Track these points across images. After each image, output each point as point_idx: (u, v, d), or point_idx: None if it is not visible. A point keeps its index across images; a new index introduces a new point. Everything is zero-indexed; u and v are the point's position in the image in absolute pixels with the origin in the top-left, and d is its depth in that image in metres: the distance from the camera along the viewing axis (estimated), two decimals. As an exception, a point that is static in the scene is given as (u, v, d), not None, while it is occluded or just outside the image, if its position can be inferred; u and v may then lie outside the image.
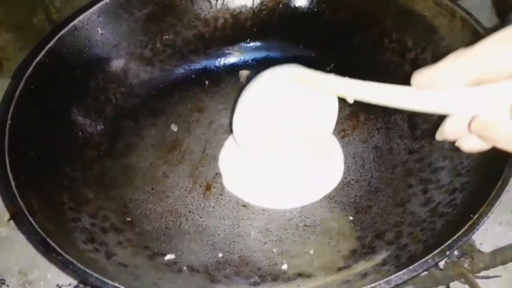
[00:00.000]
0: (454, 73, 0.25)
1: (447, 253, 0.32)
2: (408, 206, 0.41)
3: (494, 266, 0.40)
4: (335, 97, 0.38)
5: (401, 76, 0.46)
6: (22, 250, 0.46)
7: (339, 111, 0.48)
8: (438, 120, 0.43)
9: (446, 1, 0.44)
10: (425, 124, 0.45)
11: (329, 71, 0.50)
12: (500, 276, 0.41)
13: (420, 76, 0.26)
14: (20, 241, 0.46)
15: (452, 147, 0.41)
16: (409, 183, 0.42)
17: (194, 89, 0.51)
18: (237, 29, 0.52)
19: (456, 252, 0.41)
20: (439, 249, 0.32)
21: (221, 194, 0.44)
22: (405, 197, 0.42)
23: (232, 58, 0.53)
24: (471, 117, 0.26)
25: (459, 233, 0.32)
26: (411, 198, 0.41)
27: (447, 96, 0.25)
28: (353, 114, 0.48)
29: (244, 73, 0.52)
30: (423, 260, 0.31)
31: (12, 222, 0.47)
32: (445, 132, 0.28)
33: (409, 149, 0.45)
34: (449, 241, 0.32)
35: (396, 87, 0.28)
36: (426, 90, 0.26)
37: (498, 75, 0.24)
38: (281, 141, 0.42)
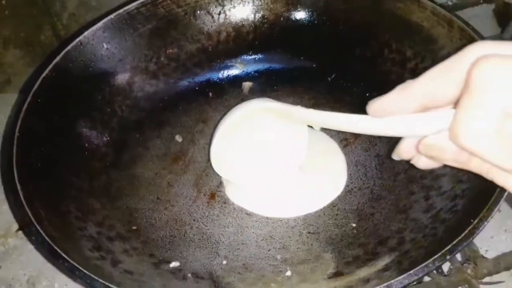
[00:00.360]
0: (402, 101, 0.27)
1: (448, 257, 0.32)
2: (410, 212, 0.41)
3: (498, 272, 0.40)
4: (304, 125, 0.41)
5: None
6: (30, 260, 0.46)
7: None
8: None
9: (444, 11, 0.45)
10: (426, 132, 0.45)
11: (330, 82, 0.52)
12: (503, 282, 0.41)
13: (374, 105, 0.28)
14: (28, 251, 0.47)
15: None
16: (411, 190, 0.43)
17: (198, 100, 0.52)
18: (239, 42, 0.53)
19: (459, 258, 0.41)
20: (439, 254, 0.32)
21: (225, 203, 0.45)
22: (407, 204, 0.42)
23: (235, 70, 0.54)
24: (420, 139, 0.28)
25: (459, 238, 0.32)
26: (413, 204, 0.41)
27: (397, 122, 0.28)
28: (355, 123, 0.49)
29: (247, 84, 0.53)
30: (424, 264, 0.32)
31: (20, 232, 0.48)
32: (400, 152, 0.30)
33: (411, 157, 0.45)
34: (449, 246, 0.32)
35: (354, 116, 0.31)
36: (380, 118, 0.28)
37: (441, 101, 0.26)
38: (257, 170, 0.44)
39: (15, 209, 0.47)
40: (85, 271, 0.31)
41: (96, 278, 0.31)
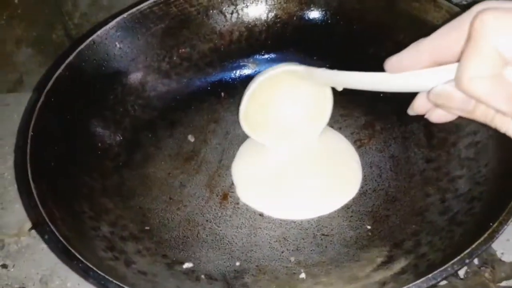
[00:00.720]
0: (416, 57, 0.30)
1: (467, 261, 0.31)
2: (426, 215, 0.40)
3: (516, 276, 0.40)
4: (328, 87, 0.43)
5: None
6: (43, 259, 0.46)
7: (355, 120, 0.49)
8: (454, 129, 0.44)
9: (460, 11, 0.44)
10: (442, 133, 0.44)
11: None
12: (521, 286, 0.40)
13: (391, 61, 0.32)
14: (41, 250, 0.47)
15: (469, 156, 0.42)
16: (427, 192, 0.42)
17: (210, 100, 0.52)
18: (252, 41, 0.53)
19: (476, 262, 0.40)
20: (458, 258, 0.31)
21: (237, 203, 0.44)
22: (423, 206, 0.41)
23: (247, 70, 0.53)
24: None
25: (478, 242, 0.32)
26: (429, 207, 0.41)
27: (412, 75, 0.30)
28: (369, 124, 0.48)
29: (259, 84, 0.53)
30: (442, 268, 0.31)
31: (33, 231, 0.48)
32: (415, 107, 0.33)
33: (426, 158, 0.44)
34: (468, 250, 0.32)
35: (374, 74, 0.33)
36: (397, 73, 0.31)
37: (449, 56, 0.28)
38: (284, 130, 0.47)
39: (28, 208, 0.47)
40: (99, 272, 0.31)
41: (111, 279, 0.31)
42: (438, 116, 0.32)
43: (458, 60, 0.27)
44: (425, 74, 0.30)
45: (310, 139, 0.47)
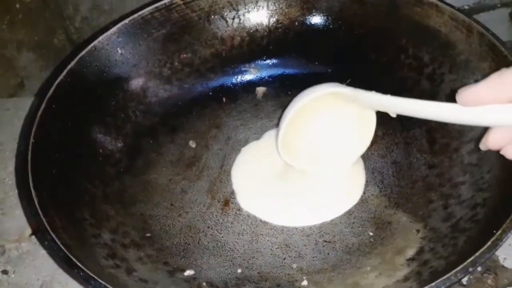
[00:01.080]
0: (497, 91, 0.27)
1: (470, 269, 0.31)
2: (429, 221, 0.40)
3: (519, 282, 0.40)
4: (372, 111, 0.41)
5: (418, 91, 0.47)
6: (44, 265, 0.46)
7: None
8: (456, 135, 0.44)
9: (463, 16, 0.44)
10: (444, 139, 0.44)
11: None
12: (525, 293, 0.40)
13: (465, 94, 0.28)
14: (42, 256, 0.47)
15: (472, 162, 0.41)
16: (429, 198, 0.42)
17: (212, 106, 0.52)
18: (253, 47, 0.53)
19: (479, 268, 0.40)
20: (462, 266, 0.31)
21: (239, 210, 0.44)
22: (425, 212, 0.41)
23: (249, 75, 0.53)
24: None
25: (482, 249, 0.31)
26: (432, 213, 0.41)
27: (492, 111, 0.28)
28: (371, 129, 0.48)
29: (260, 89, 0.53)
30: (446, 276, 0.31)
31: (33, 237, 0.48)
32: (490, 143, 0.30)
33: (429, 164, 0.44)
34: (472, 258, 0.31)
35: (443, 104, 0.30)
36: (471, 107, 0.28)
37: None
38: (323, 155, 0.44)
39: (29, 216, 0.47)
40: (100, 281, 0.31)
41: (112, 288, 0.30)
42: None
43: None
44: (509, 112, 0.27)
45: (346, 164, 0.45)
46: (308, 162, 0.45)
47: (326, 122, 0.43)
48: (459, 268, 0.31)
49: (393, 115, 0.36)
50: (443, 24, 0.45)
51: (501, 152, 0.30)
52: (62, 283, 0.45)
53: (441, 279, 0.31)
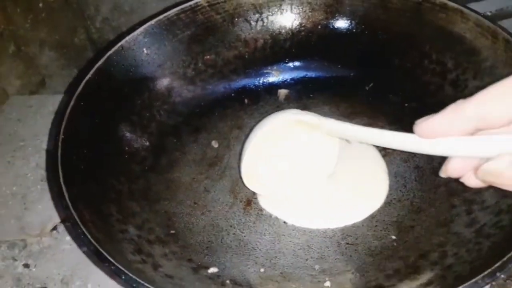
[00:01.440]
0: (454, 123, 0.27)
1: (498, 274, 0.31)
2: (452, 226, 0.40)
3: (542, 289, 0.39)
4: (335, 138, 0.41)
5: (441, 97, 0.47)
6: (64, 260, 0.47)
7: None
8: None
9: (488, 22, 0.44)
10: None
11: (368, 91, 0.52)
12: (548, 300, 0.40)
13: (422, 126, 0.28)
14: (62, 251, 0.47)
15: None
16: (452, 203, 0.42)
17: (234, 107, 0.53)
18: (276, 49, 0.53)
19: (502, 275, 0.40)
20: (489, 270, 0.31)
21: (261, 210, 0.45)
22: (448, 217, 0.41)
23: (271, 77, 0.54)
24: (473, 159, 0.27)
25: (510, 254, 0.32)
26: (455, 218, 0.41)
27: (448, 143, 0.28)
28: (394, 134, 0.48)
29: (282, 92, 0.53)
30: (473, 281, 0.31)
31: (55, 232, 0.49)
32: (448, 171, 0.30)
33: (451, 169, 0.44)
34: (499, 263, 0.31)
35: (398, 134, 0.30)
36: (428, 139, 0.28)
37: (495, 124, 0.25)
38: (287, 181, 0.44)
39: (60, 210, 0.48)
40: (131, 275, 0.31)
41: (142, 282, 0.31)
42: (476, 182, 0.29)
43: (506, 129, 0.25)
44: (473, 144, 0.27)
45: (316, 185, 0.45)
46: (272, 188, 0.44)
47: (289, 148, 0.43)
48: (486, 272, 0.31)
49: (353, 143, 0.37)
50: (468, 30, 0.46)
51: (461, 180, 0.30)
52: (82, 277, 0.45)
53: (468, 283, 0.31)
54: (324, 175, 0.44)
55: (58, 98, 0.61)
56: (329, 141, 0.42)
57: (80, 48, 0.73)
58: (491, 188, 0.39)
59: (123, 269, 0.32)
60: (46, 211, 0.50)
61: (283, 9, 0.53)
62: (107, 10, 0.72)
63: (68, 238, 0.48)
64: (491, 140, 0.26)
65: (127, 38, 0.48)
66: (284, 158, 0.43)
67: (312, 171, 0.44)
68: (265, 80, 0.54)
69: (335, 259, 0.40)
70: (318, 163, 0.44)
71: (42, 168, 0.53)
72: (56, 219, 0.49)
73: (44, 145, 0.56)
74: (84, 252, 0.45)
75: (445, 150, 0.28)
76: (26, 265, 0.46)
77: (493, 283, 0.39)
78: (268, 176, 0.44)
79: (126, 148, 0.46)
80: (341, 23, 0.52)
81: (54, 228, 0.49)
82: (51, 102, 0.61)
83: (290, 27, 0.53)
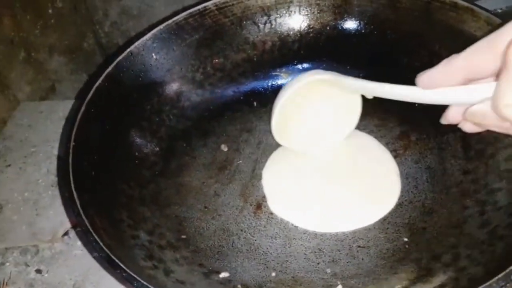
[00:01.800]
0: (448, 74, 0.31)
1: (513, 277, 0.31)
2: (464, 227, 0.40)
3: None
4: (358, 94, 0.44)
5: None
6: (76, 265, 0.47)
7: (390, 131, 0.49)
8: (492, 140, 0.43)
9: (499, 20, 0.43)
10: (479, 145, 0.44)
11: None
12: None
13: (422, 77, 0.32)
14: (74, 256, 0.48)
15: (509, 168, 0.41)
16: (464, 205, 0.42)
17: (243, 110, 0.53)
18: (284, 51, 0.53)
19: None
20: (504, 273, 0.31)
21: (271, 213, 0.44)
22: (461, 218, 0.41)
23: (280, 79, 0.54)
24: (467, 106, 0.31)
25: (525, 257, 0.31)
26: (468, 219, 0.40)
27: (443, 93, 0.31)
28: (404, 134, 0.48)
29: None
30: (488, 284, 0.31)
31: (66, 237, 0.49)
32: (448, 118, 0.34)
33: (463, 170, 0.44)
34: (515, 265, 0.31)
35: (405, 87, 0.35)
36: (428, 89, 0.32)
37: (482, 74, 0.29)
38: (314, 135, 0.48)
39: (72, 216, 0.48)
40: (143, 281, 0.31)
41: (155, 289, 0.31)
42: (471, 127, 0.33)
43: (493, 78, 0.28)
44: (460, 92, 0.30)
45: (336, 143, 0.48)
46: (300, 143, 0.48)
47: (314, 105, 0.46)
48: (501, 275, 0.31)
49: (369, 97, 0.40)
50: (479, 28, 0.45)
51: (459, 126, 0.33)
52: (94, 283, 0.46)
53: (482, 286, 0.30)
54: (349, 129, 0.48)
55: (68, 103, 0.62)
56: (351, 97, 0.45)
57: (89, 53, 0.74)
58: (505, 184, 0.40)
59: (135, 276, 0.32)
60: (57, 217, 0.50)
61: (291, 11, 0.52)
62: (115, 15, 0.72)
63: (79, 243, 0.48)
64: (477, 88, 0.29)
65: (136, 43, 0.48)
66: (311, 114, 0.46)
67: (337, 125, 0.47)
68: (274, 83, 0.54)
69: (347, 262, 0.40)
70: (342, 117, 0.47)
71: (53, 174, 0.54)
72: (67, 224, 0.49)
73: (55, 151, 0.56)
74: (95, 257, 0.46)
75: (440, 98, 0.32)
76: (39, 271, 0.47)
77: (508, 285, 0.39)
78: (296, 131, 0.47)
79: (136, 154, 0.46)
80: (350, 24, 0.52)
81: (66, 233, 0.49)
82: (61, 108, 0.62)
83: (299, 28, 0.53)
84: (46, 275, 0.46)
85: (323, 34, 0.52)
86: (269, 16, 0.52)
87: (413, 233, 0.41)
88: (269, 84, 0.54)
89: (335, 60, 0.53)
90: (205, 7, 0.50)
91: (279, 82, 0.54)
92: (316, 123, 0.47)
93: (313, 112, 0.46)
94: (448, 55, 0.47)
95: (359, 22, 0.51)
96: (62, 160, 0.39)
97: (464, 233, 0.40)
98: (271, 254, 0.41)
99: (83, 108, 0.42)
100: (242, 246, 0.42)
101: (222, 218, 0.44)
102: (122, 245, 0.37)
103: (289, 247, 0.42)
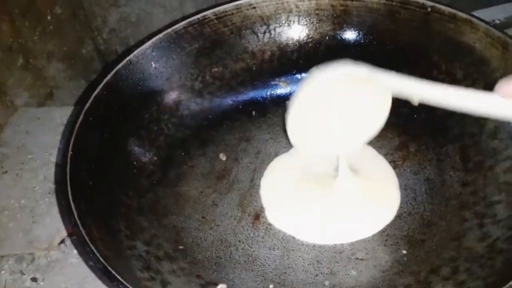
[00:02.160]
0: None
1: (512, 291, 0.31)
2: (463, 240, 0.40)
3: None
4: (388, 94, 0.37)
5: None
6: (72, 273, 0.46)
7: (389, 141, 0.49)
8: (491, 153, 0.43)
9: (498, 33, 0.44)
10: (478, 157, 0.44)
11: None
12: None
13: (505, 86, 0.29)
14: (70, 264, 0.47)
15: (508, 181, 0.41)
16: (463, 217, 0.41)
17: (242, 119, 0.52)
18: (283, 61, 0.53)
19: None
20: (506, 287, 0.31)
21: (270, 224, 0.44)
22: (460, 231, 0.41)
23: (279, 89, 0.54)
24: None
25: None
26: (467, 232, 0.40)
27: None
28: (403, 145, 0.48)
29: (290, 103, 0.53)
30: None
31: (62, 245, 0.49)
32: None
33: (462, 182, 0.44)
34: (515, 279, 0.31)
35: (476, 93, 0.29)
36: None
37: None
38: (333, 137, 0.41)
39: (68, 225, 0.48)
40: (140, 294, 0.31)
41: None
42: None
43: None
44: None
45: (354, 149, 0.42)
46: (316, 144, 0.41)
47: (337, 102, 0.38)
48: (501, 290, 0.31)
49: (415, 103, 0.33)
50: (478, 40, 0.45)
51: None
52: (90, 291, 0.45)
53: (482, 301, 0.30)
54: (373, 133, 0.40)
55: (66, 110, 0.61)
56: (380, 97, 0.37)
57: (88, 60, 0.73)
58: (504, 197, 0.40)
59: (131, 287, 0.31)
60: (54, 224, 0.50)
61: (290, 21, 0.52)
62: (114, 21, 0.72)
63: (75, 251, 0.48)
64: None
65: (135, 52, 0.48)
66: (332, 112, 0.39)
67: (360, 128, 0.40)
68: (272, 92, 0.54)
69: (345, 274, 0.40)
70: (367, 119, 0.39)
71: (50, 181, 0.53)
72: (63, 232, 0.49)
73: (52, 158, 0.56)
74: (90, 267, 0.45)
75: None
76: (34, 279, 0.46)
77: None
78: (313, 131, 0.40)
79: (135, 163, 0.45)
80: (349, 34, 0.52)
81: (62, 241, 0.49)
82: (59, 114, 0.62)
83: (298, 38, 0.53)
84: (42, 283, 0.46)
85: (322, 44, 0.52)
86: (268, 25, 0.52)
87: (412, 245, 0.41)
88: (268, 93, 0.54)
89: (334, 70, 0.52)
90: (204, 16, 0.50)
91: (278, 91, 0.54)
92: (337, 123, 0.40)
93: (335, 110, 0.39)
94: (447, 66, 0.48)
95: (358, 33, 0.52)
96: (59, 169, 0.39)
97: (463, 246, 0.40)
98: (269, 265, 0.41)
99: (81, 117, 0.42)
100: (240, 257, 0.42)
101: (220, 229, 0.44)
102: (119, 256, 0.37)
103: (287, 258, 0.42)
